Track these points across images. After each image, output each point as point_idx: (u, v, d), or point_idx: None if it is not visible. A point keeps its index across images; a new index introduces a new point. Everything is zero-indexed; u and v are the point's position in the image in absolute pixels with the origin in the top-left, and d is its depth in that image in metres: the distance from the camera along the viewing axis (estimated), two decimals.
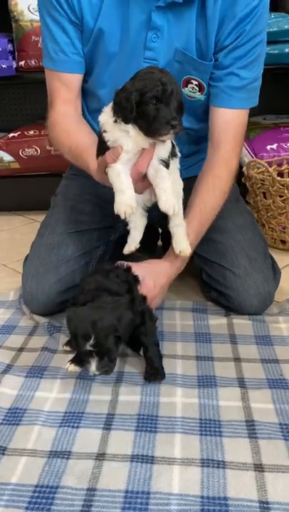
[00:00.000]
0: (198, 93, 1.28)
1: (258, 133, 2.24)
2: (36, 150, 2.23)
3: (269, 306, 1.37)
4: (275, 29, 2.03)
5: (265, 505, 0.80)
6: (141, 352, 1.16)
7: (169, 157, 1.10)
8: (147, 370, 1.11)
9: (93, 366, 1.00)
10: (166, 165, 1.08)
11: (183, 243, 1.17)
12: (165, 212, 1.06)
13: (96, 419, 1.00)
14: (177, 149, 1.18)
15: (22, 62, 2.15)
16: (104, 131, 1.06)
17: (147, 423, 0.98)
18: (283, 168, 1.94)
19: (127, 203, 1.02)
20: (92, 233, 1.44)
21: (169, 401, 1.03)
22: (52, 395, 1.07)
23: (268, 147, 2.14)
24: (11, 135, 2.28)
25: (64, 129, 1.29)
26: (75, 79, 1.31)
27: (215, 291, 1.39)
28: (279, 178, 1.75)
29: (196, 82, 1.26)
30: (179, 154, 1.19)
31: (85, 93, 1.37)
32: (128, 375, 1.13)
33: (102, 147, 1.08)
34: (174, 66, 1.23)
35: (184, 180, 1.21)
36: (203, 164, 1.32)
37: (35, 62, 2.13)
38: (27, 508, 0.80)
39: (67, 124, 1.30)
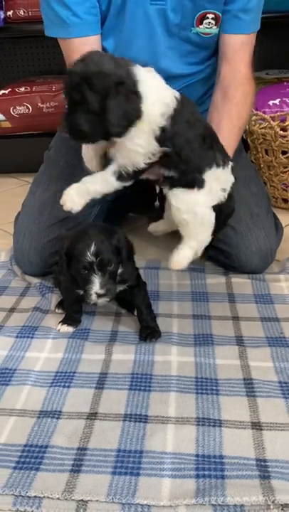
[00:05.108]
0: (214, 27, 1.22)
1: (260, 88, 2.11)
2: (28, 107, 2.13)
3: (270, 264, 1.31)
4: None
5: (262, 463, 0.76)
6: (135, 312, 1.12)
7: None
8: (142, 330, 1.08)
9: (97, 284, 0.93)
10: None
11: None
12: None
13: (88, 378, 0.96)
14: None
15: (10, 13, 2.02)
16: None
17: (141, 382, 0.94)
18: (286, 123, 1.83)
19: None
20: None
21: (163, 360, 1.00)
22: (43, 355, 1.03)
23: (271, 102, 2.02)
24: (0, 92, 2.17)
25: None
26: (95, 42, 1.19)
27: (213, 249, 1.32)
28: (282, 131, 1.67)
29: (213, 15, 1.20)
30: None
31: None
32: (122, 334, 1.09)
33: None
34: (184, 5, 1.17)
35: None
36: (221, 82, 1.27)
37: (24, 11, 2.01)
38: (15, 468, 0.77)
39: None
